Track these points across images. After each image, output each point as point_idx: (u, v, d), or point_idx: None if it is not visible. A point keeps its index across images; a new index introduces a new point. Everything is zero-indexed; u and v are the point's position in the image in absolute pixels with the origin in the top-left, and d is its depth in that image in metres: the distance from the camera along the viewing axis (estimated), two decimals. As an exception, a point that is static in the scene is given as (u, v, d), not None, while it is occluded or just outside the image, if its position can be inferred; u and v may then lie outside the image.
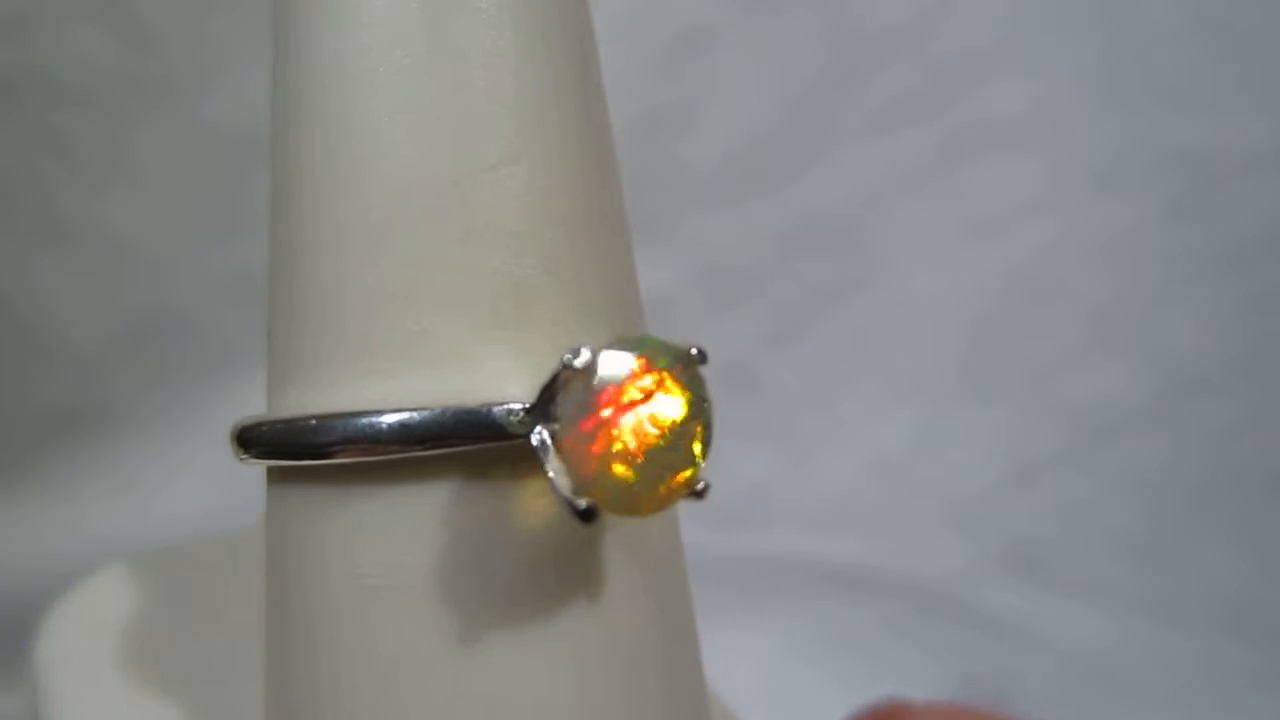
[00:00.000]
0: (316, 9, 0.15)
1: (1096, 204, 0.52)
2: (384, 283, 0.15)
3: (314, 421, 0.14)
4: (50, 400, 0.47)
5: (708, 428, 0.14)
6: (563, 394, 0.14)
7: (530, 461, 0.14)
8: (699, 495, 0.14)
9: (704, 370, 0.14)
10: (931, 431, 0.52)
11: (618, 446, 0.13)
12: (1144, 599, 0.47)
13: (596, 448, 0.13)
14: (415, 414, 0.14)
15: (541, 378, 0.14)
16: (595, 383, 0.13)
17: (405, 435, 0.14)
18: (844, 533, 0.50)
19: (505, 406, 0.14)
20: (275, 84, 0.16)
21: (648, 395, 0.14)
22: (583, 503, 0.13)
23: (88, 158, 0.45)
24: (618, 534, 0.15)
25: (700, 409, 0.14)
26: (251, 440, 0.15)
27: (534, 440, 0.14)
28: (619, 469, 0.13)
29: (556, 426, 0.14)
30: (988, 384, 0.52)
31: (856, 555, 0.48)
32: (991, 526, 0.50)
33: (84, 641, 0.22)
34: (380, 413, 0.14)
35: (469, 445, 0.14)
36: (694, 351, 0.14)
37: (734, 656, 0.40)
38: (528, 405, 0.14)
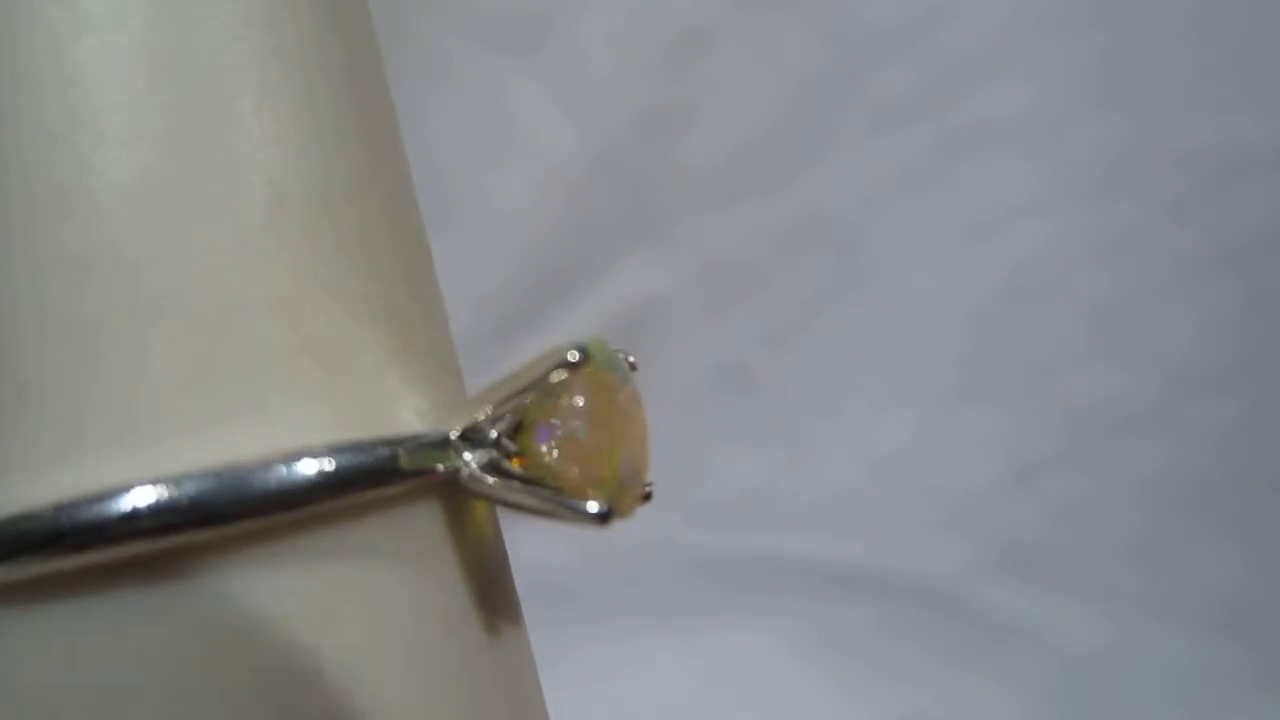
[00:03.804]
0: (22, 26, 0.12)
1: (1096, 204, 0.52)
2: (153, 349, 0.12)
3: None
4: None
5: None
6: (536, 397, 0.12)
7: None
8: (647, 498, 0.13)
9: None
10: (931, 431, 0.52)
11: (604, 450, 0.12)
12: (1143, 599, 0.47)
13: (585, 451, 0.12)
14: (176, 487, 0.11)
15: (347, 423, 0.12)
16: (572, 387, 0.12)
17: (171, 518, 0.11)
18: (844, 533, 0.50)
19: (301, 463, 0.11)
20: None
21: (613, 399, 0.13)
22: (593, 505, 0.12)
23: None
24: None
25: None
26: None
27: (466, 470, 0.12)
28: (609, 470, 0.12)
29: (494, 454, 0.12)
30: (987, 384, 0.52)
31: (856, 555, 0.48)
32: (991, 526, 0.50)
33: None
34: (121, 490, 0.11)
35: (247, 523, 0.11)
36: (631, 359, 0.13)
37: (735, 656, 0.40)
38: (424, 438, 0.12)
